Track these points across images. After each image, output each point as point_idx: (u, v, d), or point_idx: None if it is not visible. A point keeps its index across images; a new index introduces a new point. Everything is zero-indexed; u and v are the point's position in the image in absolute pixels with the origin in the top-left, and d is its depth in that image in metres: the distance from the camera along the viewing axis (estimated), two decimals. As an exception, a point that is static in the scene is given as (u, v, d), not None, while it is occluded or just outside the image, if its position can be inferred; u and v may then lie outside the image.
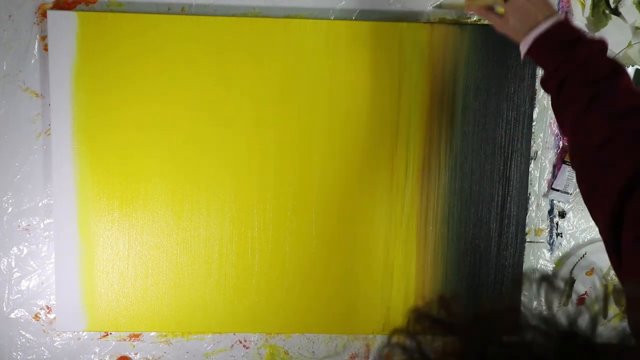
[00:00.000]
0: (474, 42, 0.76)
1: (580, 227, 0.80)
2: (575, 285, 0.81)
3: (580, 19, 0.75)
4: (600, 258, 0.80)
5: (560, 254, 0.82)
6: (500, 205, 0.78)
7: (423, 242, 0.78)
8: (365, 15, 0.77)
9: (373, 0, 0.77)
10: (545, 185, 0.80)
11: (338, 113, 0.76)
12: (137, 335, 0.80)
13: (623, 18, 0.75)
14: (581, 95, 0.53)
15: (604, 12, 0.75)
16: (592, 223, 0.82)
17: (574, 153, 0.55)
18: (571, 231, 0.81)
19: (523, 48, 0.59)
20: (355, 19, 0.77)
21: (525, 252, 0.80)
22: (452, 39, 0.76)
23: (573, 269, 0.80)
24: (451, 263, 0.79)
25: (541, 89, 0.79)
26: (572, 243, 0.82)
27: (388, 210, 0.78)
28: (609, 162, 0.49)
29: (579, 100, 0.53)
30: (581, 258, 0.80)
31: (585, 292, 0.82)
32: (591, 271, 0.81)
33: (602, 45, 0.55)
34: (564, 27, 0.57)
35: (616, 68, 0.53)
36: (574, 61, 0.54)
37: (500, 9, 0.64)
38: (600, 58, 0.54)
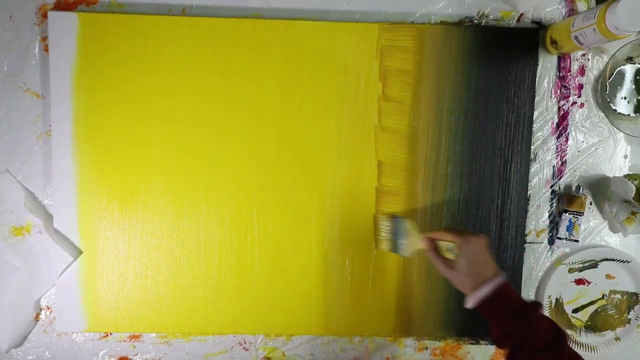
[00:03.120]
0: (474, 44, 0.76)
1: (580, 228, 0.80)
2: None
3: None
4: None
5: (560, 256, 0.82)
6: (500, 207, 0.79)
7: (423, 244, 0.78)
8: (366, 17, 0.77)
9: (373, 2, 0.77)
10: (545, 185, 0.81)
11: (338, 114, 0.76)
12: (137, 336, 0.80)
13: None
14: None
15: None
16: (592, 223, 0.82)
17: None
18: (571, 233, 0.82)
19: (471, 302, 0.63)
20: (356, 21, 0.77)
21: (525, 254, 0.80)
22: (454, 41, 0.76)
23: None
24: (451, 265, 0.79)
25: (541, 91, 0.79)
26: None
27: (388, 211, 0.78)
28: None
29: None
30: None
31: None
32: None
33: (541, 309, 0.61)
34: (507, 292, 0.62)
35: (558, 334, 0.59)
36: (523, 331, 0.59)
37: (450, 255, 0.66)
38: (542, 326, 0.59)
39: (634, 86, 0.78)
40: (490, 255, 0.64)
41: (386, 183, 0.78)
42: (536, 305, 0.62)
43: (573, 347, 0.72)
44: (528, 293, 0.82)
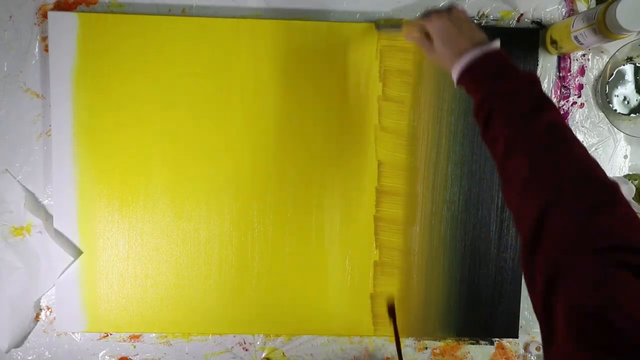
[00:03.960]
0: (474, 44, 0.76)
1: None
2: None
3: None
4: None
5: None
6: (500, 207, 0.79)
7: (422, 244, 0.78)
8: (366, 17, 0.77)
9: (374, 2, 0.77)
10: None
11: (338, 114, 0.76)
12: (137, 336, 0.80)
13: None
14: (501, 137, 0.50)
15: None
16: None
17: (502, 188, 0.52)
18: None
19: (454, 77, 0.57)
20: (356, 21, 0.77)
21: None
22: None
23: None
24: (450, 265, 0.79)
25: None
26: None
27: (388, 212, 0.78)
28: (526, 202, 0.46)
29: (500, 140, 0.50)
30: None
31: None
32: None
33: (531, 77, 0.52)
34: (493, 57, 0.55)
35: (542, 103, 0.49)
36: (499, 94, 0.51)
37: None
38: (526, 92, 0.51)
39: (634, 86, 0.78)
40: (470, 25, 0.57)
41: (386, 183, 0.78)
42: (530, 76, 0.52)
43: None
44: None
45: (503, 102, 0.51)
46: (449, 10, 0.60)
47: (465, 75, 0.56)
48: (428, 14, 0.62)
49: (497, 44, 0.56)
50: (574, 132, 0.79)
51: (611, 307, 0.36)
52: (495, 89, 0.52)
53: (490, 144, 0.53)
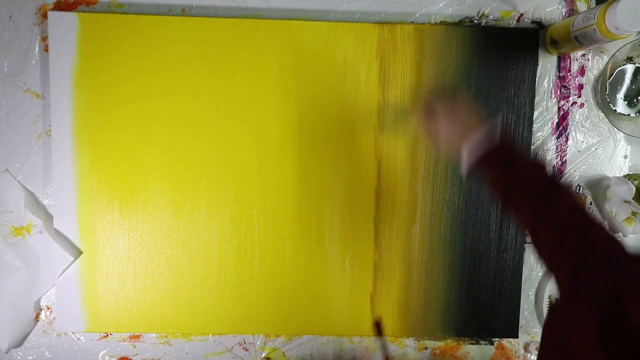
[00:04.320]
0: (474, 44, 0.76)
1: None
2: None
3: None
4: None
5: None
6: (500, 207, 0.79)
7: (422, 244, 0.78)
8: (366, 17, 0.77)
9: (373, 2, 0.77)
10: (545, 187, 0.81)
11: (338, 114, 0.76)
12: (137, 336, 0.80)
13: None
14: (524, 209, 0.55)
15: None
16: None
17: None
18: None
19: (465, 159, 0.60)
20: (356, 21, 0.77)
21: (525, 254, 0.80)
22: (453, 41, 0.76)
23: None
24: (450, 265, 0.79)
25: (541, 91, 0.79)
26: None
27: (388, 212, 0.78)
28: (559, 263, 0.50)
29: (524, 212, 0.55)
30: None
31: None
32: None
33: (539, 162, 0.57)
34: (503, 142, 0.59)
35: (556, 181, 0.55)
36: (515, 172, 0.56)
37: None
38: (537, 169, 0.56)
39: (633, 86, 0.78)
40: (474, 105, 0.61)
41: (386, 183, 0.78)
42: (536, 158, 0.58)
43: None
44: (528, 293, 0.82)
45: (522, 181, 0.56)
46: (454, 93, 0.64)
47: (479, 162, 0.59)
48: (435, 98, 0.65)
49: (498, 119, 0.60)
50: (575, 134, 0.80)
51: None
52: (512, 167, 0.57)
53: (515, 212, 0.57)
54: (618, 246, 0.48)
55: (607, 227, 0.51)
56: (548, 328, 0.49)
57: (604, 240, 0.50)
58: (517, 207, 0.56)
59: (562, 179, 0.56)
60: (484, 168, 0.59)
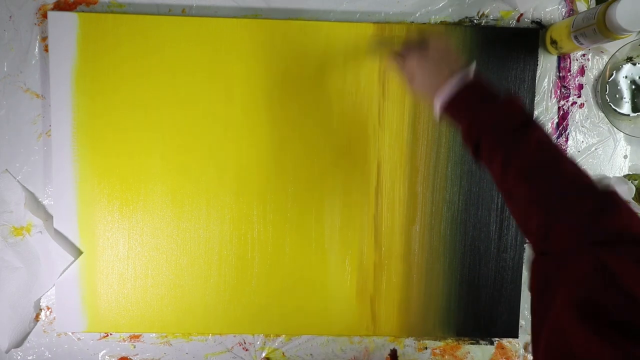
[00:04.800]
0: (474, 44, 0.76)
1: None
2: None
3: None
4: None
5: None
6: (500, 207, 0.79)
7: (422, 244, 0.78)
8: (366, 17, 0.77)
9: (373, 2, 0.77)
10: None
11: (338, 113, 0.76)
12: (137, 336, 0.80)
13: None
14: (496, 158, 0.52)
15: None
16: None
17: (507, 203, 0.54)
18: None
19: (436, 110, 0.59)
20: (356, 21, 0.77)
21: (525, 254, 0.80)
22: (453, 41, 0.76)
23: None
24: (450, 265, 0.79)
25: (541, 91, 0.79)
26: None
27: (388, 212, 0.78)
28: (531, 216, 0.48)
29: (495, 162, 0.52)
30: None
31: None
32: None
33: (510, 99, 0.54)
34: (473, 86, 0.56)
35: (526, 120, 0.52)
36: (484, 118, 0.54)
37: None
38: (510, 112, 0.53)
39: (633, 86, 0.78)
40: (446, 56, 0.59)
41: (386, 183, 0.78)
42: (507, 95, 0.55)
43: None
44: (528, 293, 0.82)
45: (490, 126, 0.53)
46: (427, 42, 0.61)
47: (448, 108, 0.58)
48: (408, 47, 0.63)
49: (473, 67, 0.58)
50: (575, 134, 0.79)
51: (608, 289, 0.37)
52: (480, 115, 0.54)
53: (486, 166, 0.55)
54: (591, 186, 0.45)
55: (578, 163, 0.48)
56: (531, 293, 0.45)
57: (575, 179, 0.47)
58: (488, 155, 0.53)
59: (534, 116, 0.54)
60: (454, 112, 0.57)
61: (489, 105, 0.54)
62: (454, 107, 0.57)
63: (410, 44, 0.64)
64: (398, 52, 0.66)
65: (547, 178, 0.48)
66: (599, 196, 0.45)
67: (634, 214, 0.42)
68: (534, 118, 0.53)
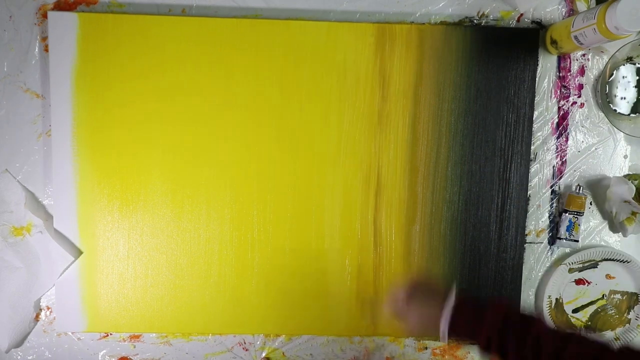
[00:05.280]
0: (474, 44, 0.76)
1: (580, 228, 0.80)
2: None
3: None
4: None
5: (560, 256, 0.82)
6: (500, 207, 0.79)
7: (422, 244, 0.78)
8: (366, 17, 0.77)
9: (373, 2, 0.77)
10: (545, 185, 0.81)
11: (338, 114, 0.76)
12: (137, 336, 0.80)
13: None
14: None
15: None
16: (592, 223, 0.82)
17: None
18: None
19: (443, 335, 0.62)
20: (356, 21, 0.77)
21: (525, 254, 0.80)
22: (454, 41, 0.76)
23: None
24: (450, 265, 0.79)
25: (541, 91, 0.79)
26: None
27: (388, 212, 0.78)
28: None
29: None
30: None
31: None
32: None
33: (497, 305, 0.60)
34: (460, 307, 0.62)
35: (525, 321, 0.57)
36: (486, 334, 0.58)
37: None
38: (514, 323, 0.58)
39: (633, 86, 0.78)
40: (431, 292, 0.66)
41: (386, 183, 0.78)
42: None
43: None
44: (528, 293, 0.82)
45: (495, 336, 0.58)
46: (408, 288, 0.68)
47: (452, 333, 0.62)
48: (395, 298, 0.69)
49: (453, 290, 0.64)
50: (575, 134, 0.80)
51: None
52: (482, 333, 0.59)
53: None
54: None
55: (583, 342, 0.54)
56: None
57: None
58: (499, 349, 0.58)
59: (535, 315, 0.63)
60: (460, 334, 0.62)
61: (482, 323, 0.59)
62: (457, 327, 0.62)
63: (395, 294, 0.69)
64: (391, 300, 0.70)
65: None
66: None
67: None
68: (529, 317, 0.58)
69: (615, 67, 0.78)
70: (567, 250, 0.81)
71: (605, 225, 0.82)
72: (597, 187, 0.81)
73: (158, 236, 0.77)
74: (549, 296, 0.81)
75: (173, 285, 0.77)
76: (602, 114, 0.80)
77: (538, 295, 0.82)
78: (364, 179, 0.77)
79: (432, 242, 0.78)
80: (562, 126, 0.80)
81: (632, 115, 0.78)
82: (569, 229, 0.79)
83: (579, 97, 0.80)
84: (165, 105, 0.75)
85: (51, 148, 0.75)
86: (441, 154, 0.78)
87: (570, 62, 0.79)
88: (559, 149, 0.80)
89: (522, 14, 0.78)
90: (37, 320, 0.79)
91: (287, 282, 0.78)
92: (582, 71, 0.80)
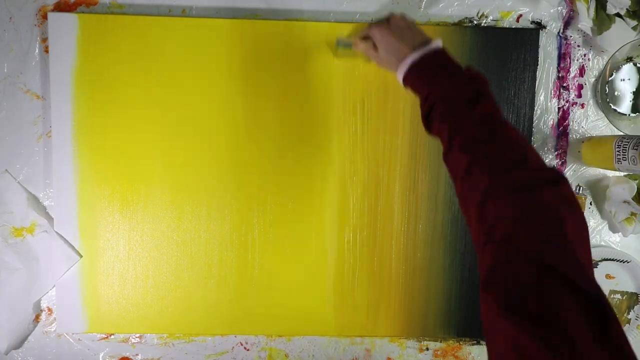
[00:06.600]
0: (474, 44, 0.76)
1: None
2: None
3: (585, 21, 0.76)
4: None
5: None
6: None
7: (422, 244, 0.78)
8: (366, 17, 0.77)
9: (374, 2, 0.77)
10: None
11: (339, 115, 0.76)
12: (138, 337, 0.80)
13: (625, 20, 0.76)
14: (442, 133, 0.52)
15: (607, 15, 0.75)
16: (592, 223, 0.82)
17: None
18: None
19: (399, 80, 0.60)
20: (356, 21, 0.77)
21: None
22: (453, 41, 0.76)
23: None
24: (450, 265, 0.79)
25: (540, 91, 0.79)
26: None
27: (388, 212, 0.78)
28: (470, 192, 0.48)
29: (442, 137, 0.52)
30: None
31: None
32: None
33: (471, 73, 0.54)
34: (433, 56, 0.57)
35: (477, 97, 0.51)
36: (439, 91, 0.53)
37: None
38: (463, 87, 0.53)
39: (633, 86, 0.79)
40: (410, 30, 0.60)
41: (386, 183, 0.78)
42: (468, 69, 0.54)
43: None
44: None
45: (442, 99, 0.53)
46: (388, 19, 0.62)
47: (408, 77, 0.58)
48: (370, 26, 0.64)
49: (438, 43, 0.58)
50: (574, 133, 0.79)
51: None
52: (436, 87, 0.54)
53: (437, 137, 0.55)
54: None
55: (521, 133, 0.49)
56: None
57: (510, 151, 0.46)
58: (438, 126, 0.52)
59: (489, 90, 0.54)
60: (414, 82, 0.57)
61: (445, 77, 0.54)
62: (413, 79, 0.57)
63: (372, 24, 0.64)
64: (362, 35, 0.66)
65: (487, 152, 0.47)
66: (533, 171, 0.45)
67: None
68: (486, 94, 0.52)
69: (615, 67, 0.78)
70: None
71: (605, 225, 0.82)
72: (597, 187, 0.81)
73: (158, 237, 0.77)
74: None
75: (174, 286, 0.77)
76: (602, 114, 0.80)
77: (538, 295, 0.82)
78: (364, 179, 0.77)
79: (432, 242, 0.78)
80: (562, 126, 0.80)
81: (632, 115, 0.79)
82: None
83: (579, 97, 0.80)
84: (165, 106, 0.75)
85: (51, 149, 0.75)
86: (441, 155, 0.77)
87: (570, 63, 0.79)
88: (559, 149, 0.80)
89: (521, 14, 0.78)
90: (37, 322, 0.79)
91: (288, 282, 0.78)
92: (582, 71, 0.80)
